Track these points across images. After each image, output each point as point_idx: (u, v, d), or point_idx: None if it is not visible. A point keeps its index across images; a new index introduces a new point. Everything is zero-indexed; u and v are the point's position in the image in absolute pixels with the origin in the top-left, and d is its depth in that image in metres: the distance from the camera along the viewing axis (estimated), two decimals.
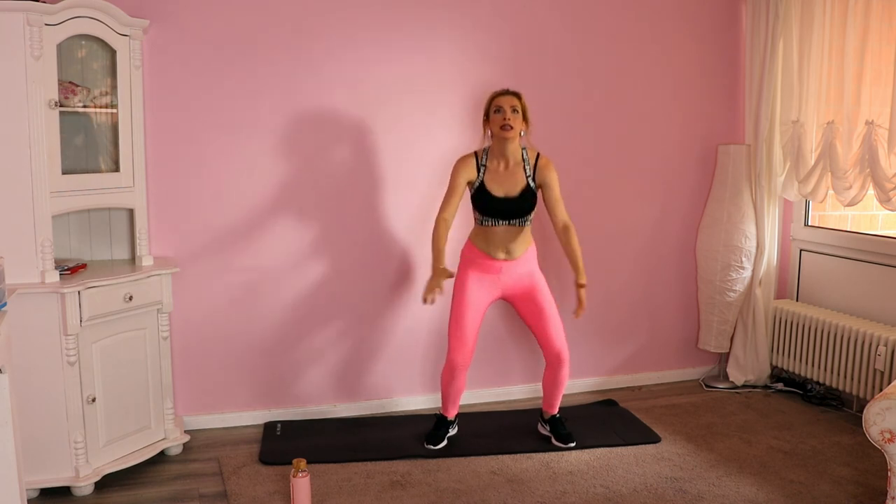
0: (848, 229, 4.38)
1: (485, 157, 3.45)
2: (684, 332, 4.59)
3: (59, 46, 3.04)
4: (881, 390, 3.51)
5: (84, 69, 3.32)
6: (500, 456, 3.50)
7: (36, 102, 2.93)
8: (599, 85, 4.21)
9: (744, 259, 4.29)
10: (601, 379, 4.44)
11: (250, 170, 3.74)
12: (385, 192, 3.95)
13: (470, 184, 3.44)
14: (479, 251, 3.47)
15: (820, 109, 4.06)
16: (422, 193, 3.95)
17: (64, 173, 3.10)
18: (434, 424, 3.65)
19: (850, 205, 3.87)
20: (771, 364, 4.44)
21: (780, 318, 4.34)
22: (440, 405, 3.70)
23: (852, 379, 3.90)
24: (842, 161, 3.88)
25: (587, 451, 3.55)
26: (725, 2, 4.38)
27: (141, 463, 3.31)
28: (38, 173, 2.96)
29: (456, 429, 3.70)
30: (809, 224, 4.45)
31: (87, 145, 3.39)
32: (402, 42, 3.87)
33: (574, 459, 3.46)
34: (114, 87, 3.28)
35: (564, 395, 3.70)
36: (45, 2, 2.96)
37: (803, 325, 4.19)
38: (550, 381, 3.59)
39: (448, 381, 3.53)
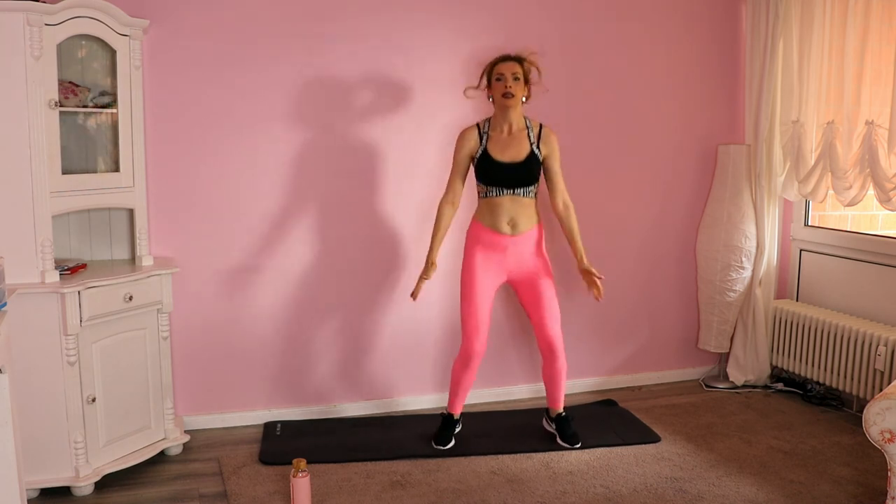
0: (848, 229, 4.38)
1: (486, 125, 3.46)
2: (684, 332, 4.59)
3: (59, 46, 3.04)
4: (881, 390, 3.51)
5: (84, 69, 3.32)
6: (500, 456, 3.50)
7: (36, 102, 2.93)
8: (599, 85, 4.21)
9: (744, 259, 4.29)
10: (601, 379, 4.44)
11: (250, 169, 3.74)
12: (386, 191, 3.95)
13: (473, 157, 3.44)
14: (483, 227, 3.45)
15: (820, 109, 4.06)
16: (423, 188, 3.95)
17: (64, 173, 3.09)
18: (441, 424, 3.64)
19: (850, 205, 3.87)
20: (771, 364, 4.44)
21: (780, 318, 4.34)
22: (446, 403, 3.71)
23: (852, 379, 3.90)
24: (842, 161, 3.88)
25: (587, 451, 3.55)
26: (725, 2, 4.38)
27: (141, 463, 3.31)
28: (38, 173, 2.96)
29: (460, 426, 3.69)
30: (809, 224, 4.45)
31: (87, 145, 3.39)
32: (403, 42, 3.87)
33: (574, 459, 3.46)
34: (114, 87, 3.28)
35: (564, 396, 3.69)
36: (45, 2, 2.96)
37: (803, 325, 4.19)
38: (547, 374, 3.59)
39: (460, 371, 3.52)
